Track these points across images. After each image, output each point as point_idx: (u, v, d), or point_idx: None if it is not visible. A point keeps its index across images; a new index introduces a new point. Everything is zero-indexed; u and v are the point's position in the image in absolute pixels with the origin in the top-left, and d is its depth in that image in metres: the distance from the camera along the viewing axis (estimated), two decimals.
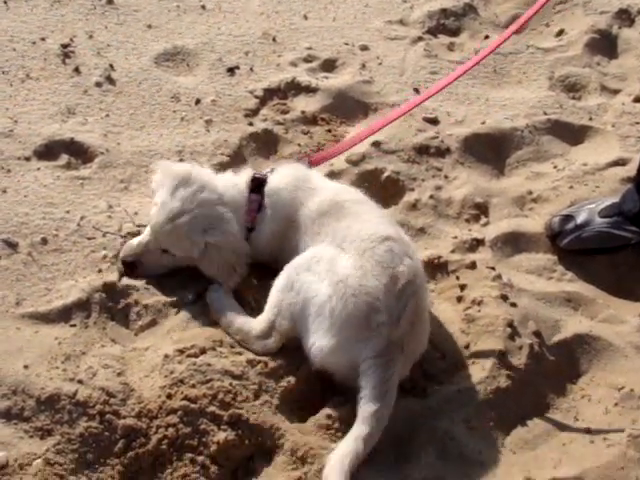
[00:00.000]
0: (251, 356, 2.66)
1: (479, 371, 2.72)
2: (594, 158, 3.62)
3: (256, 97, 3.81)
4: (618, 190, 3.36)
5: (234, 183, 2.95)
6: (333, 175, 3.34)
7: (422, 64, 4.12)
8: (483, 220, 3.35)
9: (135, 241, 2.89)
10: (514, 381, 2.71)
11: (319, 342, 2.54)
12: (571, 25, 4.49)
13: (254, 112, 3.74)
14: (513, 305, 2.93)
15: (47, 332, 2.70)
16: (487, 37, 4.39)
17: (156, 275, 2.90)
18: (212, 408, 2.49)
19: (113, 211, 3.14)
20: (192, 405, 2.49)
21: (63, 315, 2.76)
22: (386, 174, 3.47)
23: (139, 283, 2.88)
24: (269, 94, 3.85)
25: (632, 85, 4.10)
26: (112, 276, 2.89)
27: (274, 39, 4.20)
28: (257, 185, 2.92)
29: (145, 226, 2.96)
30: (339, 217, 2.76)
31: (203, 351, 2.64)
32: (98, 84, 3.75)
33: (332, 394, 2.64)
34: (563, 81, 4.12)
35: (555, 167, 3.62)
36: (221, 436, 2.45)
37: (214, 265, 2.82)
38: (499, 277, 3.03)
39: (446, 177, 3.52)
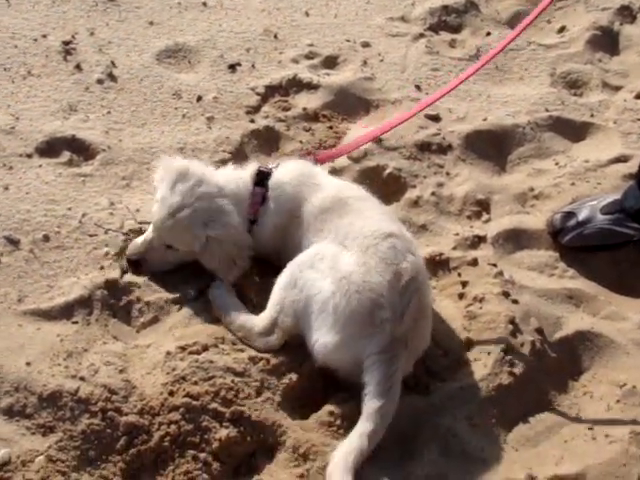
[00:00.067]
0: (253, 353, 2.67)
1: (481, 368, 2.72)
2: (596, 155, 3.62)
3: (257, 94, 3.80)
4: (620, 187, 3.36)
5: (238, 176, 2.95)
6: (335, 172, 3.34)
7: (423, 61, 4.11)
8: (485, 217, 3.35)
9: (140, 239, 2.91)
10: (516, 378, 2.70)
11: (323, 339, 2.55)
12: (573, 22, 4.48)
13: (255, 109, 3.74)
14: (515, 302, 2.93)
15: (49, 329, 2.70)
16: (489, 34, 4.37)
17: (162, 271, 2.90)
18: (214, 405, 2.49)
19: (115, 208, 3.14)
20: (194, 402, 2.49)
21: (65, 312, 2.76)
22: (388, 171, 3.46)
23: (141, 280, 2.89)
24: (270, 91, 3.84)
25: (634, 82, 4.09)
26: (114, 273, 2.89)
27: (275, 36, 4.19)
28: (262, 178, 2.93)
29: (147, 223, 2.96)
30: (342, 214, 2.76)
31: (205, 348, 2.65)
32: (100, 81, 3.75)
33: (334, 391, 2.64)
34: (565, 78, 4.11)
35: (557, 164, 3.61)
36: (223, 433, 2.45)
37: (215, 258, 2.82)
38: (501, 274, 3.02)
39: (448, 174, 3.51)
